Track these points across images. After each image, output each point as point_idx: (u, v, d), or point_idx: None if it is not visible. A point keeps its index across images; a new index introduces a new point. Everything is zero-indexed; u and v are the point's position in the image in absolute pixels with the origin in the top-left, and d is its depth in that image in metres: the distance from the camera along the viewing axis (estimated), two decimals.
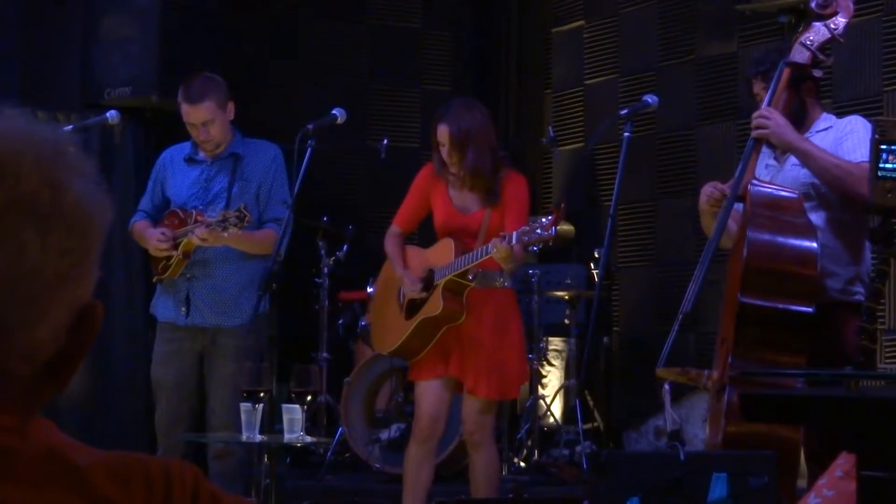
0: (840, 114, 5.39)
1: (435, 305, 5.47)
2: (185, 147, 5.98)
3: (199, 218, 5.71)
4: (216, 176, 5.87)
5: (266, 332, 5.93)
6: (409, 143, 8.96)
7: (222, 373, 5.78)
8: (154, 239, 5.76)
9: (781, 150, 4.83)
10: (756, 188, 4.66)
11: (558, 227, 5.04)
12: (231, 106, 5.85)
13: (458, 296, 5.47)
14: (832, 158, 4.69)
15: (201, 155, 5.91)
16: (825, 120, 4.92)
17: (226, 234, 5.52)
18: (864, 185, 4.38)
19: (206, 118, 5.76)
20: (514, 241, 5.09)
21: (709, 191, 4.88)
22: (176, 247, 5.76)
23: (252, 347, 5.80)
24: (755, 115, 4.77)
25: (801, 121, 4.87)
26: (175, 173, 5.94)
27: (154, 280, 5.98)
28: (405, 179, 5.98)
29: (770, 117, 4.70)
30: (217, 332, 5.81)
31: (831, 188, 4.70)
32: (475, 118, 5.51)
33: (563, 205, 5.08)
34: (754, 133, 4.74)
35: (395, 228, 5.79)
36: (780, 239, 4.55)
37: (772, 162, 4.93)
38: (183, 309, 5.82)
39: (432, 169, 5.65)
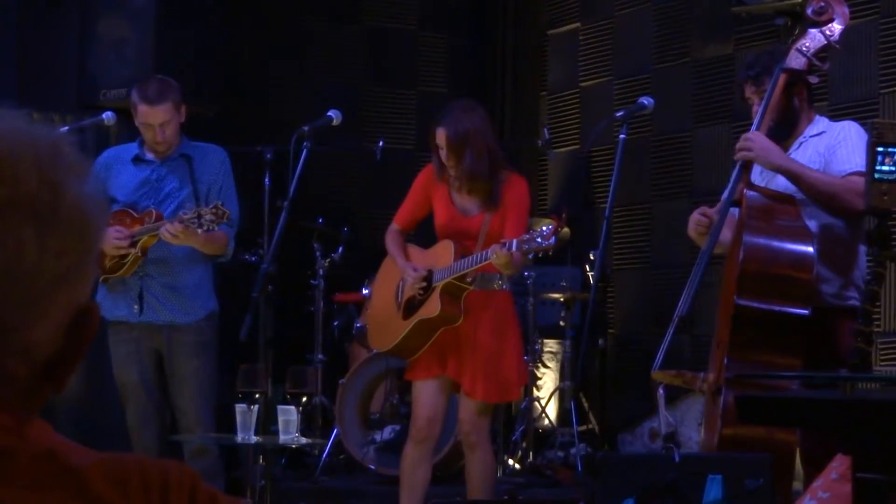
0: (836, 117, 5.39)
1: (433, 307, 5.47)
2: (131, 148, 6.02)
3: (160, 217, 5.73)
4: (167, 176, 5.93)
5: (218, 329, 5.95)
6: (405, 145, 8.96)
7: (185, 370, 5.84)
8: (111, 238, 5.76)
9: (771, 170, 4.82)
10: (752, 193, 4.67)
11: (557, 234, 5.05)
12: (184, 109, 5.89)
13: (456, 298, 5.47)
14: (821, 177, 4.69)
15: (150, 156, 5.94)
16: (818, 124, 4.92)
17: (200, 231, 5.54)
18: (856, 199, 4.40)
19: (164, 119, 5.82)
20: (514, 248, 5.10)
21: (696, 217, 4.89)
22: (133, 244, 5.77)
23: (210, 343, 5.86)
24: (740, 140, 4.77)
25: (793, 125, 4.87)
26: (121, 173, 5.96)
27: (101, 279, 5.97)
28: (401, 181, 5.98)
29: (754, 141, 4.70)
30: (173, 329, 5.85)
31: (823, 206, 4.70)
32: (473, 121, 5.51)
33: (563, 213, 5.07)
34: (738, 156, 4.74)
35: (394, 226, 5.80)
36: (776, 242, 4.55)
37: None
38: (136, 307, 5.85)
39: (433, 169, 5.66)
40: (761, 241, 4.54)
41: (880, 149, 3.80)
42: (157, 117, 5.81)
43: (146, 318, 5.86)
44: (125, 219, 5.85)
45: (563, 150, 8.94)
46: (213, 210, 5.53)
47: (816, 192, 4.67)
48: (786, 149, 4.88)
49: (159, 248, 5.78)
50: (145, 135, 5.90)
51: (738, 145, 4.76)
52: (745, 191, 4.67)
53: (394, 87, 9.20)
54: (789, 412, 2.97)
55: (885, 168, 3.79)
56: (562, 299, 7.85)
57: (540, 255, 5.25)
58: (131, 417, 5.95)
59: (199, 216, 5.52)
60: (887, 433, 2.62)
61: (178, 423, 5.89)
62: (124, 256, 5.81)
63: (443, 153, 5.53)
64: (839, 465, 3.40)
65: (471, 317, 5.49)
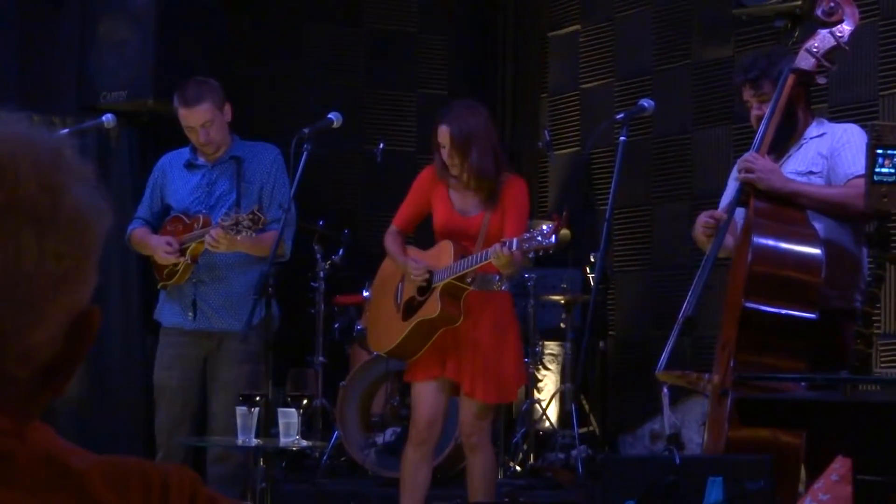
0: (836, 118, 5.39)
1: (433, 308, 5.47)
2: (184, 153, 5.98)
3: (207, 222, 5.71)
4: (218, 180, 5.89)
5: (266, 336, 5.93)
6: (406, 147, 8.96)
7: (226, 376, 5.79)
8: (161, 249, 5.77)
9: (772, 191, 4.81)
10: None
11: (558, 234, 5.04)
12: (228, 108, 5.87)
13: (456, 299, 5.47)
14: (824, 190, 4.69)
15: (201, 160, 5.92)
16: (818, 125, 4.91)
17: (239, 238, 5.52)
18: (862, 202, 4.40)
19: (205, 119, 5.78)
20: (514, 247, 5.09)
21: (703, 220, 4.89)
22: (183, 252, 5.76)
23: (255, 351, 5.83)
24: (740, 161, 4.77)
25: (793, 127, 4.87)
26: (175, 179, 5.95)
27: (159, 286, 5.97)
28: (401, 183, 5.98)
29: (756, 164, 4.70)
30: (224, 336, 5.82)
31: (831, 216, 4.70)
32: (477, 120, 5.51)
33: (564, 212, 5.07)
34: (740, 178, 4.75)
35: (394, 228, 5.80)
36: (785, 244, 4.55)
37: None
38: (190, 314, 5.83)
39: (434, 170, 5.65)
40: (770, 242, 4.54)
41: (880, 151, 3.81)
42: (197, 118, 5.78)
43: (199, 325, 5.83)
44: (178, 225, 5.84)
45: (563, 152, 8.94)
46: (251, 216, 5.50)
47: (822, 206, 4.67)
48: (786, 150, 4.88)
49: (211, 254, 5.76)
50: (190, 138, 5.88)
51: (739, 167, 4.76)
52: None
53: (394, 90, 9.20)
54: (789, 414, 2.97)
55: (885, 170, 3.80)
56: (562, 301, 7.84)
57: (540, 254, 5.24)
58: (163, 420, 5.91)
59: (237, 222, 5.50)
60: (888, 435, 2.62)
61: (208, 426, 5.87)
62: (177, 264, 5.80)
63: (444, 151, 5.53)
64: (840, 467, 3.40)
65: (470, 317, 5.49)
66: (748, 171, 4.70)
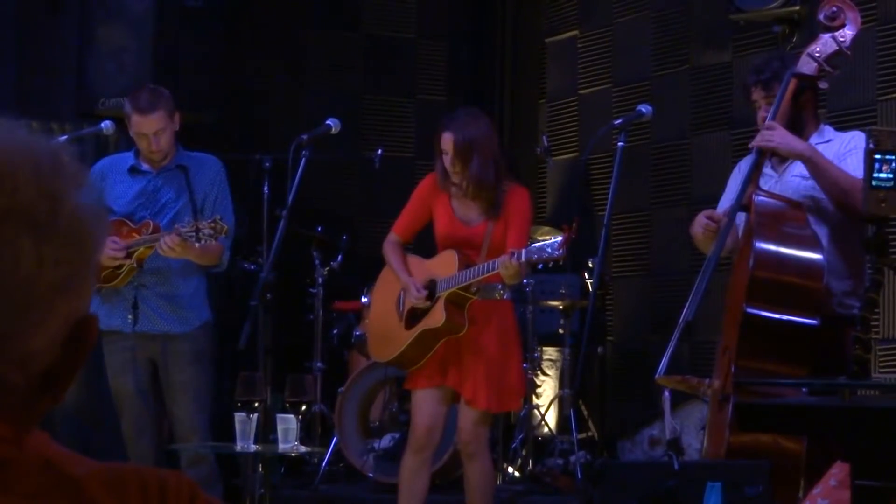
0: (833, 124, 5.38)
1: (437, 317, 5.46)
2: (127, 158, 6.01)
3: (157, 229, 5.72)
4: (163, 187, 5.92)
5: (213, 339, 5.96)
6: (404, 153, 8.96)
7: (179, 379, 5.85)
8: (107, 249, 5.76)
9: (791, 158, 4.79)
10: (761, 198, 4.65)
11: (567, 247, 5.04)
12: (177, 117, 5.89)
13: (460, 308, 5.47)
14: (839, 171, 4.67)
15: (145, 166, 5.94)
16: (825, 132, 4.90)
17: (198, 245, 5.53)
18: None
19: (158, 127, 5.82)
20: (523, 258, 5.10)
21: (703, 221, 4.86)
22: (129, 255, 5.77)
23: (205, 352, 5.87)
24: (762, 129, 4.74)
25: (798, 132, 4.85)
26: (116, 183, 5.95)
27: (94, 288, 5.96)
28: (400, 189, 5.99)
29: (775, 131, 4.69)
30: (167, 338, 5.85)
31: (835, 200, 4.68)
32: (480, 128, 5.51)
33: (574, 224, 5.07)
34: (757, 142, 4.72)
35: (393, 237, 5.79)
36: (786, 250, 4.54)
37: (770, 172, 4.89)
38: (130, 317, 5.84)
39: (435, 178, 5.64)
40: (772, 247, 4.53)
41: (878, 156, 3.81)
42: (151, 126, 5.81)
43: (141, 328, 5.85)
44: (121, 229, 5.84)
45: (561, 157, 8.94)
46: (212, 224, 5.52)
47: (833, 186, 4.63)
48: None
49: (155, 259, 5.78)
50: (140, 144, 5.91)
51: (759, 135, 4.73)
52: (754, 196, 4.65)
53: (392, 96, 9.20)
54: (788, 419, 2.97)
55: (883, 175, 3.80)
56: (561, 307, 7.84)
57: (550, 266, 5.25)
58: (127, 426, 5.95)
59: (198, 230, 5.51)
60: (886, 440, 2.62)
61: (174, 432, 5.89)
62: (119, 266, 5.80)
63: (447, 158, 5.52)
64: (838, 472, 3.41)
65: (475, 326, 5.48)
66: (767, 139, 4.68)
